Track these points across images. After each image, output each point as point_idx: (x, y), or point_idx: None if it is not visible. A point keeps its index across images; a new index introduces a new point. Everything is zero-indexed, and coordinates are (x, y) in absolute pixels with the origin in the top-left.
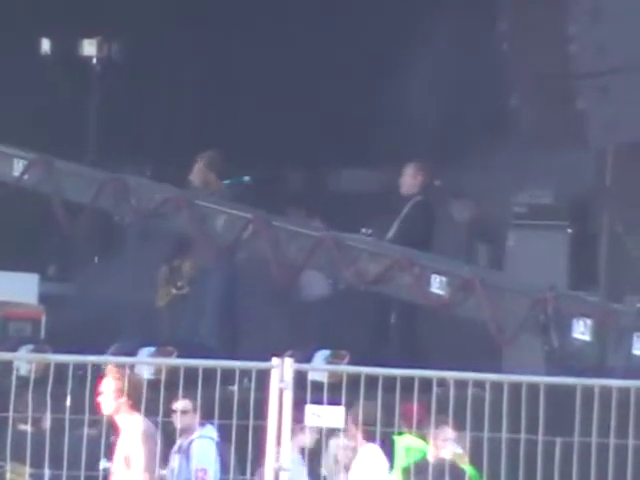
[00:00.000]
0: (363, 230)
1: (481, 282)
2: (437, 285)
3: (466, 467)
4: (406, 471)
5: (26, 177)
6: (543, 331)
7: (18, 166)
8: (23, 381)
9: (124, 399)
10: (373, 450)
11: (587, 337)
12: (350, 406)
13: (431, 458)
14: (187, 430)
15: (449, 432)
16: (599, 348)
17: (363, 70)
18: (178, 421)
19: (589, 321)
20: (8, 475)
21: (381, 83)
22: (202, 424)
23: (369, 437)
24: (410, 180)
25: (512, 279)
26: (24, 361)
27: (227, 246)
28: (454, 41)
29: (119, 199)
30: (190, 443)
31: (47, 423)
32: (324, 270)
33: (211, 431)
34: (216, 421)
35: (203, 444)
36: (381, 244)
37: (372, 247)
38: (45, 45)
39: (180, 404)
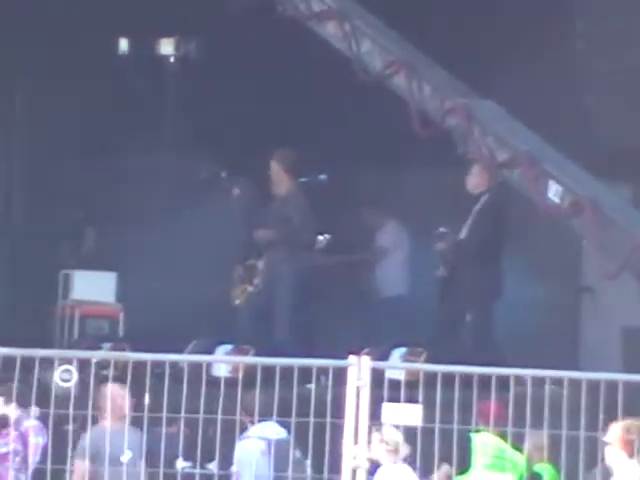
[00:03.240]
0: (320, 237)
1: (592, 205)
2: (553, 192)
3: (544, 465)
4: (487, 468)
5: None
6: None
7: None
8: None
9: None
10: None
11: None
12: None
13: None
14: None
15: None
16: None
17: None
18: None
19: None
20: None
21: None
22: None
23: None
24: (477, 178)
25: (627, 215)
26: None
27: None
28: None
29: None
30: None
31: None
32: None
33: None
34: (293, 419)
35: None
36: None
37: (501, 132)
38: (123, 45)
39: None
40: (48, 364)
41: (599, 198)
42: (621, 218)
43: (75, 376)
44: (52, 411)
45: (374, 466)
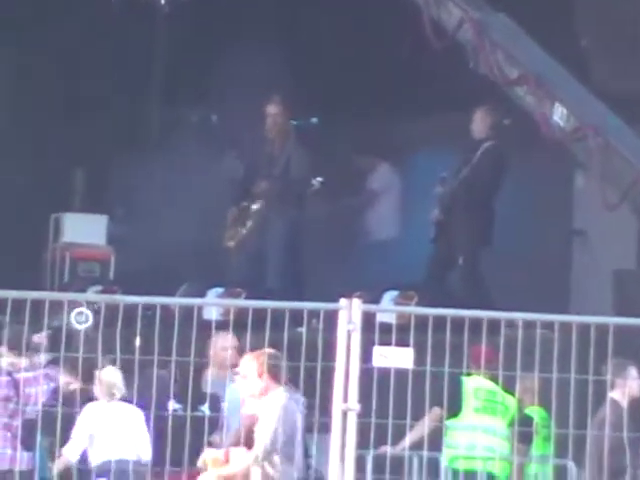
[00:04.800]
0: (313, 181)
1: (595, 132)
2: (559, 115)
3: (535, 408)
4: (478, 411)
5: None
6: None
7: None
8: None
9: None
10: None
11: None
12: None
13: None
14: None
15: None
16: None
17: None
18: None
19: None
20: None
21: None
22: None
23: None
24: (479, 125)
25: (632, 146)
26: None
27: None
28: None
29: None
30: None
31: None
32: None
33: None
34: (284, 363)
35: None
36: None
37: (512, 49)
38: None
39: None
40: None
41: (604, 125)
42: (625, 148)
43: (90, 318)
44: (61, 354)
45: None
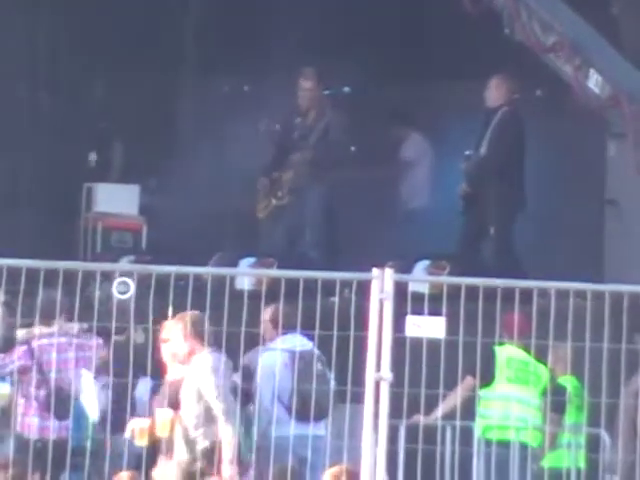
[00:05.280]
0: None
1: (629, 99)
2: (593, 82)
3: (567, 378)
4: (511, 381)
5: None
6: None
7: None
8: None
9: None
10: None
11: None
12: None
13: None
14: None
15: None
16: None
17: None
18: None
19: None
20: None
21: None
22: (284, 333)
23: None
24: (495, 92)
25: None
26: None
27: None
28: None
29: None
30: None
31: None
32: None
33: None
34: (317, 332)
35: None
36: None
37: (547, 16)
38: None
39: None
40: (92, 278)
41: (639, 93)
42: None
43: (132, 288)
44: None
45: None
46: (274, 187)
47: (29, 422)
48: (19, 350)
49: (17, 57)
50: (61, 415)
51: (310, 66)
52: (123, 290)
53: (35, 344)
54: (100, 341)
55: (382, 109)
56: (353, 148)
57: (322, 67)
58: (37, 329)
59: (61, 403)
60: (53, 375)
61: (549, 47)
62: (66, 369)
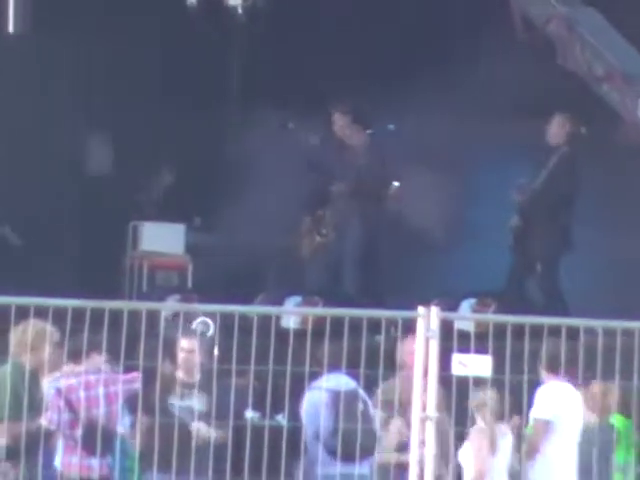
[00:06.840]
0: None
1: None
2: None
3: (616, 416)
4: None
5: None
6: None
7: None
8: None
9: None
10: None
11: None
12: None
13: None
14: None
15: None
16: None
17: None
18: None
19: None
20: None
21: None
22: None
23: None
24: (557, 129)
25: None
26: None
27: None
28: None
29: None
30: None
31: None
32: None
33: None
34: (362, 370)
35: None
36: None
37: (599, 45)
38: None
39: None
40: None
41: None
42: None
43: (212, 327)
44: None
45: None
46: (317, 225)
47: (69, 461)
48: (50, 393)
49: (72, 91)
50: (100, 453)
51: (344, 101)
52: (203, 329)
53: (63, 384)
54: (135, 374)
55: (426, 145)
56: (397, 183)
57: (367, 103)
58: (67, 367)
59: (98, 440)
60: (83, 413)
61: (600, 76)
62: (97, 406)
